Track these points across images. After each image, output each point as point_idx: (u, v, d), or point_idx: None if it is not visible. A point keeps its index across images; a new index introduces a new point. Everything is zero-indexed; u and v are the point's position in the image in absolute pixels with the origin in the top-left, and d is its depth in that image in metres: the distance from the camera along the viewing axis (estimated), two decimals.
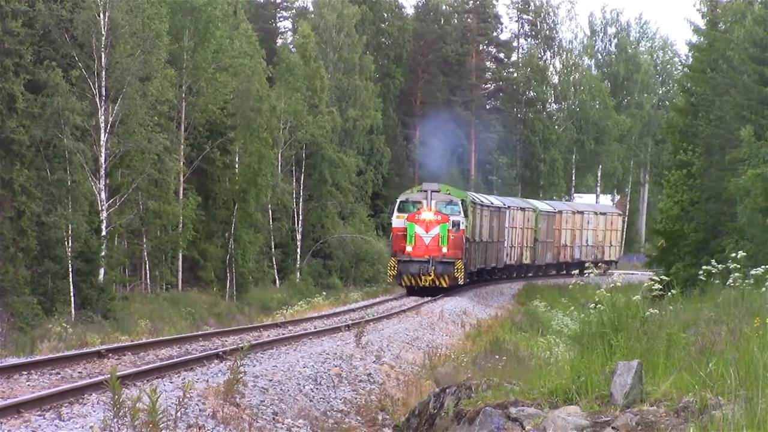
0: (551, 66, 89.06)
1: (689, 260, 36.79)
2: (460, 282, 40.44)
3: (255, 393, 14.72)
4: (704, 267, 12.16)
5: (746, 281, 11.97)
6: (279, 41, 77.87)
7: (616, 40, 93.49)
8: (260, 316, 37.90)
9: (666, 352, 10.13)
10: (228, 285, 47.93)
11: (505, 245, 50.52)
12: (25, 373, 15.12)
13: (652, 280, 11.82)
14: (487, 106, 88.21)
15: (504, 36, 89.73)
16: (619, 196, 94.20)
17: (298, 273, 57.79)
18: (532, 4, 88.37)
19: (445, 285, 39.90)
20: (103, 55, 36.43)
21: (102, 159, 36.30)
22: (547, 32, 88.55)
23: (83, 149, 35.15)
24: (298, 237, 59.21)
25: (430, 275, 39.61)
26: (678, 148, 40.00)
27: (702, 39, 42.14)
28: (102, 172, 36.35)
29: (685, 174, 38.75)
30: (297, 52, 62.58)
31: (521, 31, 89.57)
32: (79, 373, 15.58)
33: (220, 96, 46.77)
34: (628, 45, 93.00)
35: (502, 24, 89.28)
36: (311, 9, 76.43)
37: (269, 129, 53.29)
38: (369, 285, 56.20)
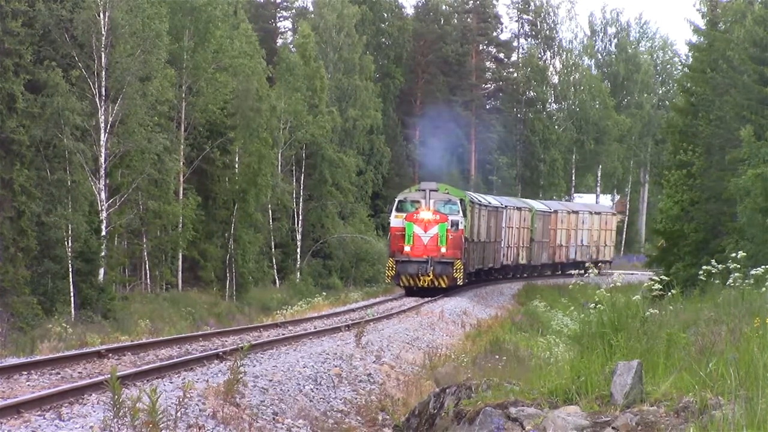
0: (551, 66, 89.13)
1: (689, 260, 36.79)
2: (459, 282, 39.96)
3: (255, 393, 14.72)
4: (704, 267, 12.15)
5: (746, 281, 11.97)
6: (279, 41, 77.90)
7: (616, 40, 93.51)
8: (260, 316, 37.89)
9: (666, 352, 10.13)
10: (228, 285, 47.94)
11: (502, 245, 50.06)
12: (25, 373, 15.11)
13: (652, 280, 11.82)
14: (487, 106, 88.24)
15: (504, 36, 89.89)
16: (619, 196, 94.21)
17: (298, 273, 57.80)
18: (532, 4, 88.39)
19: (443, 285, 39.43)
20: (103, 55, 36.44)
21: (102, 159, 36.31)
22: (547, 32, 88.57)
23: (83, 149, 35.15)
24: (298, 237, 59.22)
25: (429, 275, 39.13)
26: (678, 148, 40.01)
27: (702, 39, 42.14)
28: (102, 172, 36.36)
29: (685, 174, 38.76)
30: (297, 52, 62.59)
31: (521, 31, 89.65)
32: (79, 373, 15.58)
33: (220, 96, 46.77)
34: (628, 45, 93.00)
35: (502, 24, 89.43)
36: (311, 9, 76.48)
37: (269, 129, 53.31)
38: (369, 285, 56.19)
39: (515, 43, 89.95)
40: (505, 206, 50.80)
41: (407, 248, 39.21)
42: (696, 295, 14.82)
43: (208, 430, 12.20)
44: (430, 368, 20.20)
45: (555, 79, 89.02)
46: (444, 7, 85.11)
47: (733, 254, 11.97)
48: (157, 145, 38.96)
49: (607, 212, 68.85)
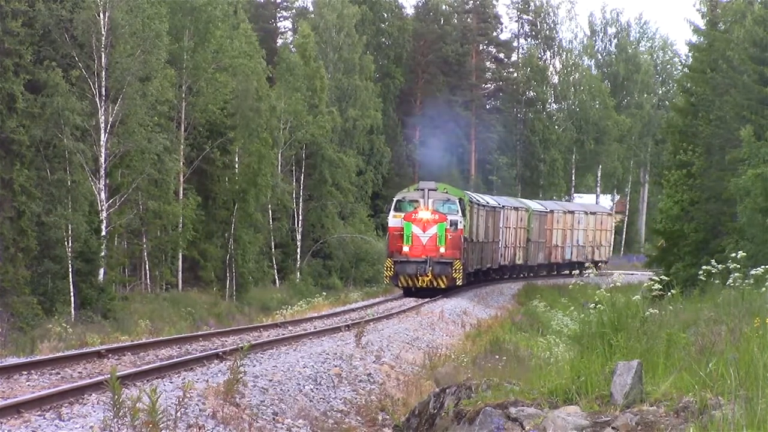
0: (551, 66, 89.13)
1: (689, 260, 36.79)
2: (459, 283, 39.43)
3: (255, 393, 14.72)
4: (704, 267, 12.14)
5: (746, 281, 11.96)
6: (279, 41, 77.92)
7: (616, 40, 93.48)
8: (260, 316, 37.89)
9: (666, 352, 10.13)
10: (228, 285, 47.94)
11: (500, 246, 49.49)
12: (25, 373, 15.11)
13: (652, 280, 11.82)
14: (487, 106, 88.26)
15: (504, 36, 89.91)
16: (619, 196, 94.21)
17: (298, 273, 57.81)
18: (532, 4, 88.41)
19: (442, 286, 38.95)
20: (103, 55, 36.45)
21: (102, 159, 36.32)
22: (547, 32, 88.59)
23: (83, 149, 35.16)
24: (298, 237, 59.23)
25: (428, 276, 38.59)
26: (678, 148, 40.01)
27: (702, 39, 42.14)
28: (102, 172, 36.37)
29: (685, 174, 38.76)
30: (297, 52, 62.60)
31: (521, 31, 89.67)
32: (79, 373, 15.58)
33: (220, 96, 46.77)
34: (628, 45, 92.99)
35: (502, 24, 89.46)
36: (311, 9, 76.49)
37: (269, 129, 53.31)
38: (369, 285, 56.18)
39: (515, 43, 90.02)
40: (503, 206, 50.28)
41: (406, 248, 38.70)
42: (696, 295, 14.82)
43: (208, 430, 12.20)
44: (430, 368, 20.20)
45: (555, 79, 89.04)
46: (444, 7, 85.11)
47: (733, 254, 11.97)
48: (157, 145, 38.96)
49: (603, 212, 68.49)
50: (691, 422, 8.35)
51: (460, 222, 39.40)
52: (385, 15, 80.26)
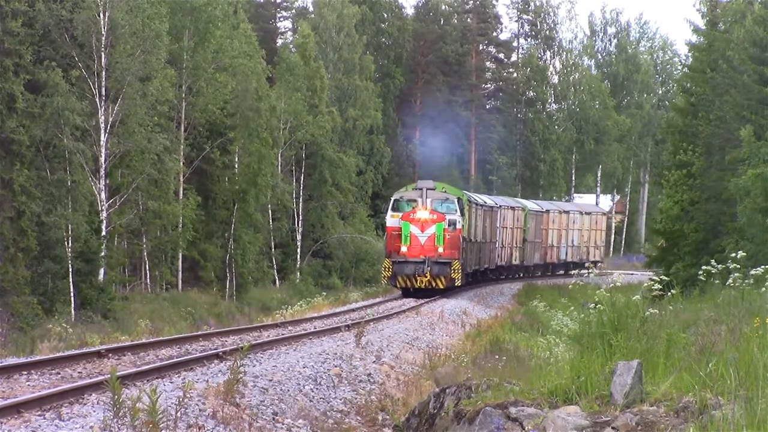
0: (551, 66, 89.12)
1: (689, 260, 36.80)
2: (458, 283, 38.99)
3: (255, 393, 14.72)
4: (704, 267, 12.13)
5: (746, 281, 11.96)
6: (279, 41, 77.91)
7: (616, 40, 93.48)
8: (260, 316, 37.89)
9: (666, 352, 10.13)
10: (228, 285, 47.94)
11: (497, 246, 48.92)
12: (25, 373, 15.11)
13: (652, 280, 11.82)
14: (487, 106, 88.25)
15: (504, 36, 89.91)
16: (619, 196, 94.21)
17: (298, 273, 57.81)
18: (532, 4, 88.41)
19: (441, 286, 38.44)
20: (103, 55, 36.46)
21: (102, 159, 36.33)
22: (547, 32, 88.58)
23: (83, 149, 35.17)
24: (298, 237, 59.23)
25: (426, 276, 38.06)
26: (678, 148, 40.02)
27: (702, 39, 42.16)
28: (102, 172, 36.38)
29: (685, 174, 38.77)
30: (297, 52, 62.60)
31: (521, 31, 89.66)
32: (79, 373, 15.58)
33: (219, 96, 46.78)
34: (628, 45, 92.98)
35: (502, 24, 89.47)
36: (311, 9, 76.49)
37: (269, 129, 53.31)
38: (369, 285, 56.15)
39: (515, 43, 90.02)
40: (500, 206, 49.79)
41: (404, 248, 38.19)
42: (696, 295, 14.82)
43: (208, 430, 12.20)
44: (430, 368, 20.20)
45: (555, 79, 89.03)
46: (444, 7, 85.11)
47: (733, 254, 11.96)
48: (157, 145, 38.97)
49: (598, 212, 68.17)
50: (691, 422, 8.35)
51: (459, 222, 38.97)
52: (385, 15, 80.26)
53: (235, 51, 48.42)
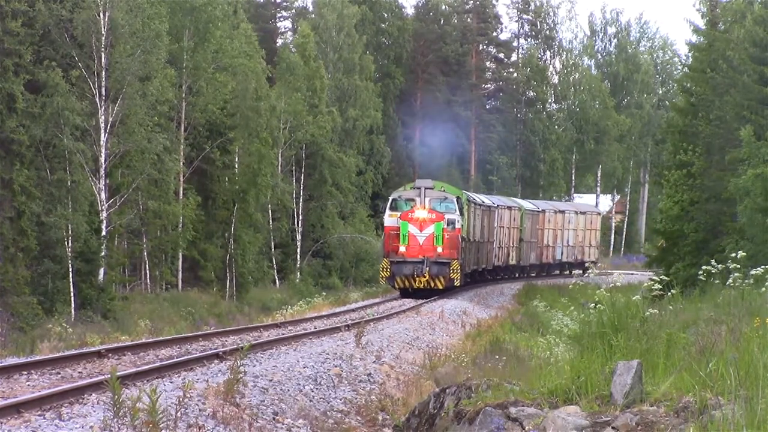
0: (551, 66, 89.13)
1: (689, 260, 36.81)
2: (457, 283, 38.59)
3: (255, 393, 14.72)
4: (704, 267, 12.13)
5: (746, 281, 11.96)
6: (279, 41, 77.90)
7: (616, 40, 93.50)
8: (260, 316, 37.89)
9: (666, 352, 10.13)
10: (228, 285, 47.94)
11: (494, 246, 48.38)
12: (25, 373, 15.11)
13: (652, 280, 11.82)
14: (487, 106, 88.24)
15: (504, 36, 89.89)
16: (619, 196, 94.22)
17: (298, 273, 57.80)
18: (532, 4, 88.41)
19: (440, 287, 38.05)
20: (103, 55, 36.47)
21: (102, 159, 36.33)
22: (547, 32, 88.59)
23: (83, 149, 35.18)
24: (298, 237, 59.23)
25: (425, 276, 37.67)
26: (678, 148, 40.02)
27: (702, 39, 42.16)
28: (102, 172, 36.39)
29: (685, 174, 38.77)
30: (297, 52, 62.58)
31: (521, 31, 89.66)
32: (79, 373, 15.58)
33: (219, 96, 46.77)
34: (628, 45, 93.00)
35: (502, 24, 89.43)
36: (311, 9, 76.48)
37: (269, 129, 53.30)
38: (369, 285, 56.13)
39: (515, 43, 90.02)
40: (497, 205, 49.32)
41: (402, 248, 37.79)
42: (696, 295, 14.82)
43: (208, 430, 12.20)
44: (430, 368, 20.20)
45: (555, 79, 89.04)
46: (444, 7, 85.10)
47: (733, 254, 11.96)
48: (157, 145, 38.97)
49: (592, 212, 67.76)
50: (691, 422, 8.35)
51: (458, 221, 38.57)
52: (385, 15, 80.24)
53: (235, 51, 48.42)
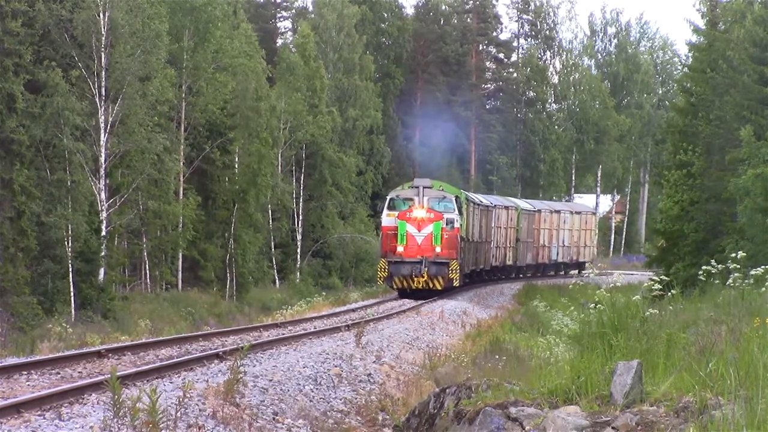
0: (551, 66, 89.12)
1: (689, 260, 36.80)
2: (456, 284, 38.15)
3: (255, 393, 14.72)
4: (704, 267, 12.13)
5: (746, 281, 11.96)
6: (279, 41, 77.91)
7: (616, 40, 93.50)
8: (260, 316, 37.89)
9: (666, 352, 10.13)
10: (228, 285, 47.94)
11: (492, 246, 47.88)
12: (25, 373, 15.11)
13: (652, 280, 11.82)
14: (487, 106, 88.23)
15: (504, 36, 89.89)
16: (619, 196, 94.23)
17: (298, 273, 57.81)
18: (532, 4, 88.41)
19: (439, 287, 37.58)
20: (103, 55, 36.47)
21: (102, 159, 36.33)
22: (547, 32, 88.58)
23: (83, 149, 35.18)
24: (298, 237, 59.23)
25: (423, 277, 37.21)
26: (678, 148, 40.02)
27: (702, 39, 42.15)
28: (102, 172, 36.39)
29: (685, 174, 38.76)
30: (297, 52, 62.58)
31: (521, 31, 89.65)
32: (79, 373, 15.58)
33: (220, 96, 46.78)
34: (628, 45, 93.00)
35: (502, 24, 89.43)
36: (311, 9, 76.49)
37: (269, 129, 53.30)
38: (369, 285, 56.11)
39: (515, 43, 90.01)
40: (495, 205, 48.84)
41: (400, 248, 37.33)
42: (696, 295, 14.82)
43: (208, 430, 12.20)
44: (430, 368, 20.21)
45: (555, 79, 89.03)
46: (444, 7, 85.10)
47: (733, 254, 11.96)
48: (157, 145, 38.97)
49: (587, 212, 67.41)
50: (691, 422, 8.35)
51: (457, 220, 38.11)
52: (385, 15, 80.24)
53: (235, 51, 48.42)
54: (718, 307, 12.82)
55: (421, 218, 37.64)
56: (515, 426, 9.27)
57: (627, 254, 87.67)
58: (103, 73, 36.46)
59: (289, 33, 79.86)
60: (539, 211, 58.11)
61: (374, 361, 20.33)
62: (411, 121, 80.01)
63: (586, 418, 8.90)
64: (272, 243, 56.91)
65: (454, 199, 38.78)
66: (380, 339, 24.03)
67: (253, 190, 49.01)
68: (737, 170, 33.52)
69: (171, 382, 14.62)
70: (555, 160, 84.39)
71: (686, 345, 10.51)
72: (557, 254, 60.55)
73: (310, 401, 15.64)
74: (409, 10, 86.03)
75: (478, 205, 45.01)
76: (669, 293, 12.08)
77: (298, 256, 58.86)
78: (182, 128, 45.89)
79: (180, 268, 45.82)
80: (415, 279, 37.59)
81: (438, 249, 37.54)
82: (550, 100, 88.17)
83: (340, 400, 16.43)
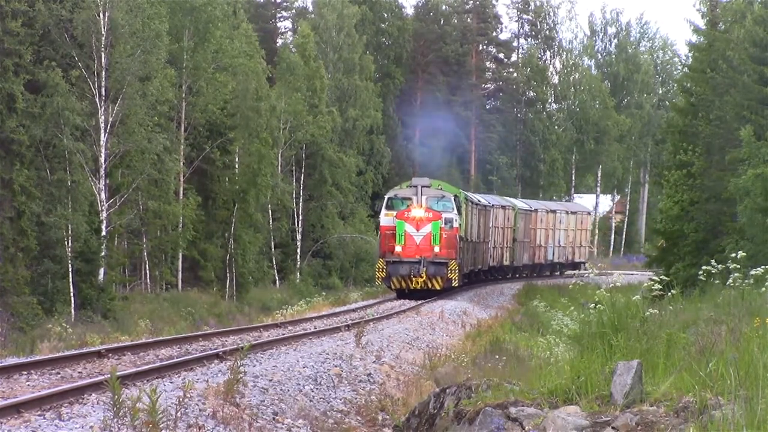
0: (551, 66, 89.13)
1: (689, 260, 36.80)
2: (454, 284, 37.82)
3: (255, 393, 14.72)
4: (704, 267, 12.13)
5: (746, 281, 11.96)
6: (279, 41, 77.92)
7: (616, 40, 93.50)
8: (260, 316, 37.90)
9: (666, 352, 10.13)
10: (228, 285, 47.94)
11: (489, 246, 47.49)
12: (25, 373, 15.11)
13: (652, 280, 11.82)
14: (487, 106, 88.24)
15: (504, 36, 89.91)
16: (619, 196, 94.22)
17: (298, 273, 57.81)
18: (532, 4, 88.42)
19: (437, 287, 37.27)
20: (103, 55, 36.47)
21: (102, 159, 36.34)
22: (547, 32, 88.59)
23: (83, 149, 35.19)
24: (298, 237, 59.23)
25: (422, 277, 36.87)
26: (678, 148, 40.01)
27: (702, 39, 42.15)
28: (102, 172, 36.39)
29: (685, 174, 38.76)
30: (297, 52, 62.59)
31: (521, 31, 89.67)
32: (79, 373, 15.58)
33: (220, 96, 46.78)
34: (628, 45, 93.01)
35: (502, 24, 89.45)
36: (311, 9, 76.50)
37: (269, 129, 53.31)
38: (369, 285, 56.09)
39: (515, 43, 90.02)
40: (492, 205, 48.39)
41: (398, 248, 36.99)
42: (696, 295, 14.82)
43: (208, 430, 12.20)
44: (430, 368, 20.20)
45: (555, 79, 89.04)
46: (444, 7, 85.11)
47: (733, 254, 11.96)
48: (157, 145, 38.97)
49: (583, 212, 67.17)
50: (691, 422, 8.35)
51: (456, 220, 37.77)
52: (385, 15, 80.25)
53: (235, 51, 48.42)
54: (718, 307, 12.82)
55: (420, 218, 37.31)
56: (515, 426, 9.27)
57: (627, 254, 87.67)
58: (103, 73, 36.47)
59: (289, 33, 79.92)
60: (536, 210, 57.84)
61: (374, 361, 20.33)
62: (411, 121, 80.00)
63: (586, 418, 8.90)
64: (272, 243, 56.91)
65: (452, 198, 38.47)
66: (380, 339, 24.03)
67: (253, 190, 49.01)
68: (737, 170, 33.52)
69: (171, 382, 14.62)
70: (555, 160, 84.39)
71: (686, 345, 10.52)
72: (553, 254, 60.31)
73: (310, 401, 15.64)
74: (409, 10, 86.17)
75: (477, 204, 44.70)
76: (669, 293, 12.08)
77: (298, 256, 58.86)
78: (182, 128, 45.90)
79: (180, 268, 45.83)
80: (414, 279, 37.26)
81: (437, 249, 37.22)
82: (550, 100, 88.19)
83: (340, 400, 16.43)
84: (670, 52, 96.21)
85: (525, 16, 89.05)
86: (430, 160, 73.82)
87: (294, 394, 15.58)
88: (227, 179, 49.08)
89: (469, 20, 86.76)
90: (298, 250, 59.00)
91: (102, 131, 36.35)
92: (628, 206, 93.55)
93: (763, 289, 11.76)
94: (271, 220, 56.79)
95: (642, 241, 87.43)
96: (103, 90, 36.51)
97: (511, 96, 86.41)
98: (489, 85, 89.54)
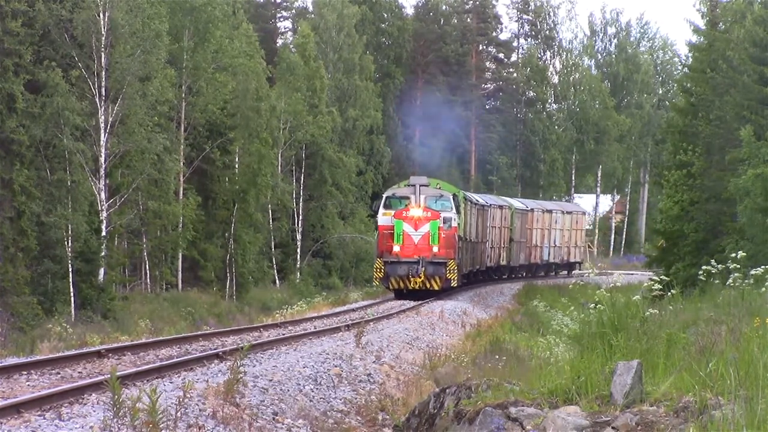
0: (551, 66, 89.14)
1: (689, 260, 36.79)
2: (453, 284, 37.43)
3: (255, 393, 14.71)
4: (704, 267, 12.13)
5: (746, 281, 11.95)
6: (279, 41, 77.93)
7: (616, 40, 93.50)
8: (260, 316, 37.89)
9: (666, 352, 10.13)
10: (228, 285, 47.95)
11: (487, 246, 46.93)
12: (25, 373, 15.11)
13: (652, 280, 11.82)
14: (487, 106, 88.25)
15: (504, 36, 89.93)
16: (619, 196, 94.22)
17: (298, 273, 57.81)
18: (532, 4, 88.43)
19: (436, 287, 36.82)
20: (103, 55, 36.48)
21: (102, 159, 36.35)
22: (547, 32, 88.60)
23: (83, 149, 35.19)
24: (298, 237, 59.23)
25: (420, 277, 36.41)
26: (678, 148, 40.01)
27: (702, 39, 42.15)
28: (102, 172, 36.40)
29: (685, 174, 38.76)
30: (297, 52, 62.59)
31: (521, 31, 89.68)
32: (79, 373, 15.58)
33: (220, 96, 46.79)
34: (628, 45, 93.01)
35: (501, 24, 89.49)
36: (311, 9, 76.51)
37: (269, 129, 53.31)
38: (369, 285, 56.04)
39: (515, 43, 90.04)
40: (490, 204, 47.93)
41: (396, 248, 36.55)
42: (696, 295, 14.83)
43: (208, 430, 12.20)
44: (430, 368, 20.20)
45: (555, 79, 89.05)
46: (444, 7, 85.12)
47: (733, 254, 11.95)
48: (157, 145, 38.98)
49: (578, 211, 66.89)
50: (691, 422, 8.35)
51: (454, 219, 37.31)
52: (385, 15, 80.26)
53: (235, 51, 48.43)
54: (718, 307, 12.82)
55: (418, 217, 36.85)
56: (515, 426, 9.27)
57: (627, 254, 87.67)
58: (103, 73, 36.47)
59: (289, 33, 79.95)
60: (532, 210, 57.46)
61: (374, 361, 20.33)
62: (411, 121, 79.99)
63: (586, 418, 8.90)
64: (272, 243, 56.91)
65: (451, 197, 38.03)
66: (380, 339, 24.02)
67: (253, 190, 49.02)
68: (737, 170, 33.52)
69: (171, 382, 14.61)
70: (555, 160, 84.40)
71: (686, 345, 10.52)
72: (549, 254, 60.04)
73: (310, 401, 15.64)
74: (409, 10, 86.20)
75: (475, 204, 44.31)
76: (669, 293, 12.08)
77: (298, 256, 58.86)
78: (182, 128, 45.91)
79: (180, 268, 45.83)
80: (412, 279, 36.85)
81: (435, 248, 36.78)
82: (550, 100, 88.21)
83: (340, 400, 16.42)
84: (670, 52, 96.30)
85: (525, 16, 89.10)
86: (430, 160, 73.82)
87: (294, 394, 15.58)
88: (227, 179, 49.08)
89: (469, 20, 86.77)
90: (298, 250, 59.00)
91: (102, 131, 36.36)
92: (628, 206, 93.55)
93: (763, 289, 11.75)
94: (271, 220, 56.79)
95: (642, 241, 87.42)
96: (103, 90, 36.52)
97: (511, 96, 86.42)
98: (489, 85, 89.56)
